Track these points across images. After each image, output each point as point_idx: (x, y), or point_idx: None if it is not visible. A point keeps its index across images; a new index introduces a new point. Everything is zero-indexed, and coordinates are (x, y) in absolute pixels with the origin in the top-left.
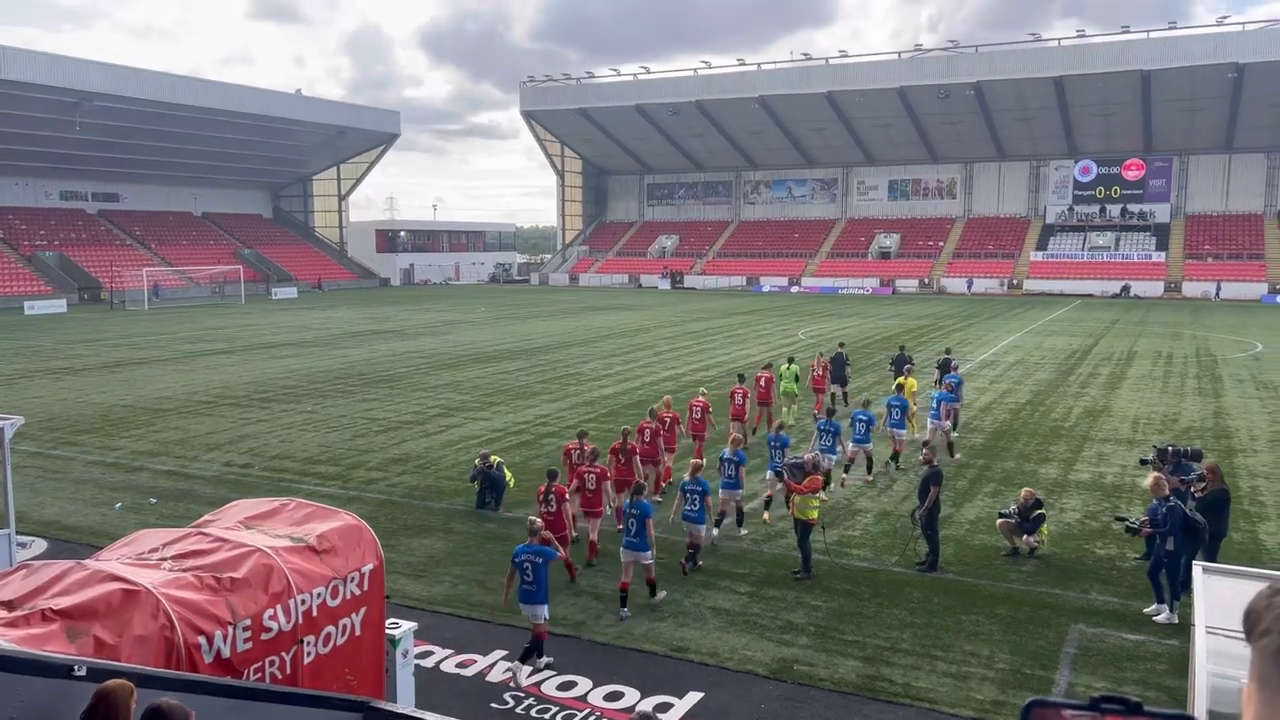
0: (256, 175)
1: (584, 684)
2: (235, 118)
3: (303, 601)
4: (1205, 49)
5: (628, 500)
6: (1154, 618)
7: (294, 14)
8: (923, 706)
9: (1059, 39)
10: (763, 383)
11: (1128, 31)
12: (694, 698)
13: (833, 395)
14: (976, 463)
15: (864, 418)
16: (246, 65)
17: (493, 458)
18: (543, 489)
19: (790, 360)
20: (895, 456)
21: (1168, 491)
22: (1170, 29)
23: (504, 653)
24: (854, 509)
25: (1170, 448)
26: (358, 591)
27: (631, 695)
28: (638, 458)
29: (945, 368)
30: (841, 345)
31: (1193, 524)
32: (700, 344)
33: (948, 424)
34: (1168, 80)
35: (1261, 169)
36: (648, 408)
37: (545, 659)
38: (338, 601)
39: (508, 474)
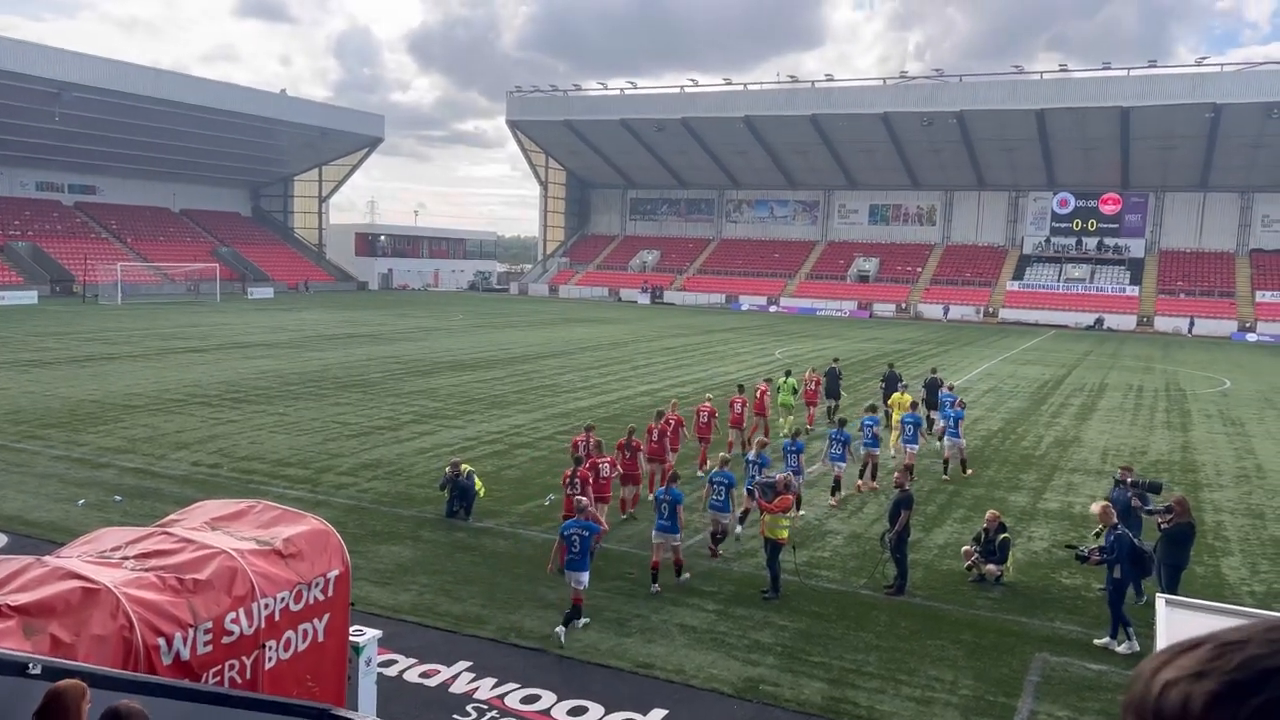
0: (237, 173)
1: (548, 698)
2: (218, 115)
3: (266, 605)
4: (1184, 88)
5: (661, 489)
6: (1115, 648)
7: (282, 13)
8: None
9: (1041, 72)
10: (759, 395)
11: (1109, 68)
12: (658, 715)
13: (828, 409)
14: (947, 488)
15: (841, 437)
16: (232, 62)
17: (464, 466)
18: (568, 474)
19: (787, 374)
20: (866, 473)
21: (1115, 520)
22: (1150, 68)
23: (468, 663)
24: (824, 530)
25: (1130, 479)
26: (322, 597)
27: (596, 710)
28: (643, 454)
29: (933, 387)
30: (836, 361)
31: (1139, 553)
32: (677, 360)
33: (963, 442)
34: (1146, 117)
35: (1235, 208)
36: (624, 419)
37: (584, 620)
38: (301, 606)
39: (478, 483)
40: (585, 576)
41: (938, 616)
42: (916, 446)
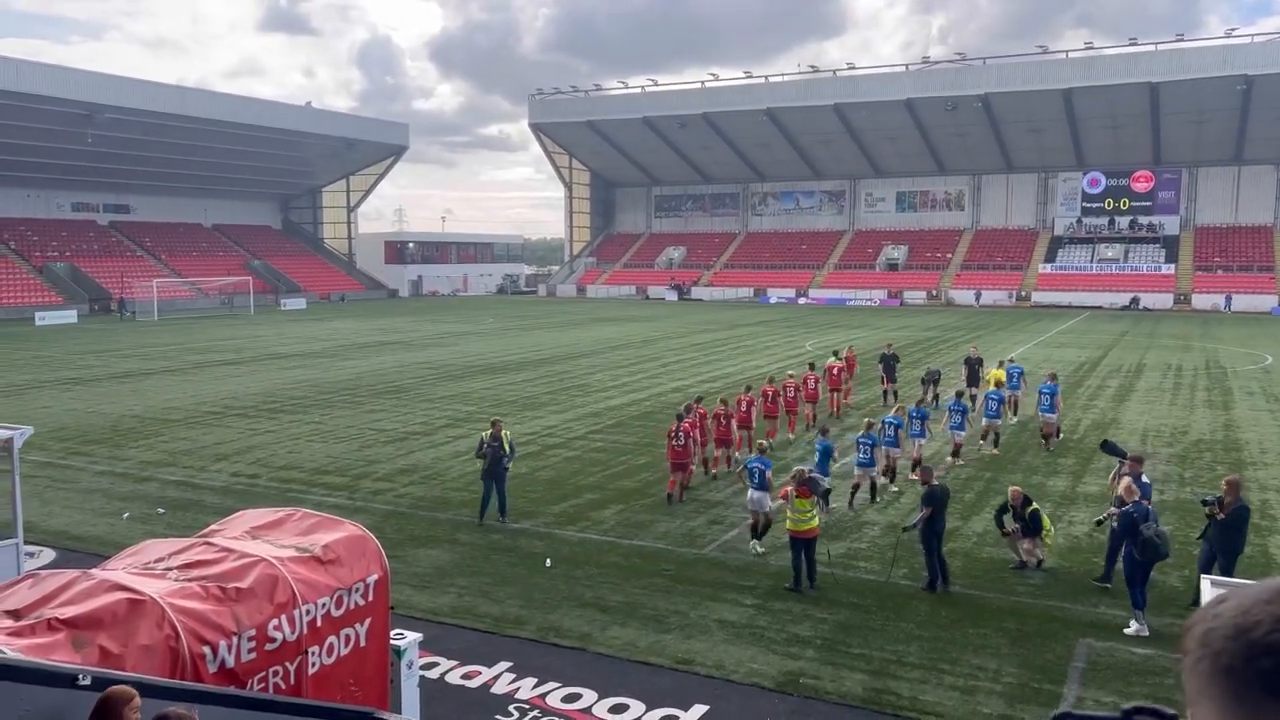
0: (266, 187)
1: (589, 696)
2: (245, 130)
3: (307, 612)
4: (1213, 61)
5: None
6: (1129, 629)
7: (305, 26)
8: None
9: (1067, 51)
10: (811, 383)
11: (1136, 44)
12: (699, 710)
13: (884, 393)
14: (984, 475)
15: (868, 441)
16: (257, 77)
17: (504, 432)
18: (673, 429)
19: (835, 353)
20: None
21: (1137, 497)
22: (1178, 41)
23: (509, 664)
24: (861, 521)
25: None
26: (362, 602)
27: (637, 707)
28: (735, 421)
29: (973, 365)
30: (889, 345)
31: (1142, 536)
32: (707, 355)
33: (999, 421)
34: (1176, 92)
35: (1271, 181)
36: (656, 417)
37: (761, 545)
38: (342, 612)
39: (505, 440)
40: (767, 500)
41: (979, 604)
42: (963, 433)
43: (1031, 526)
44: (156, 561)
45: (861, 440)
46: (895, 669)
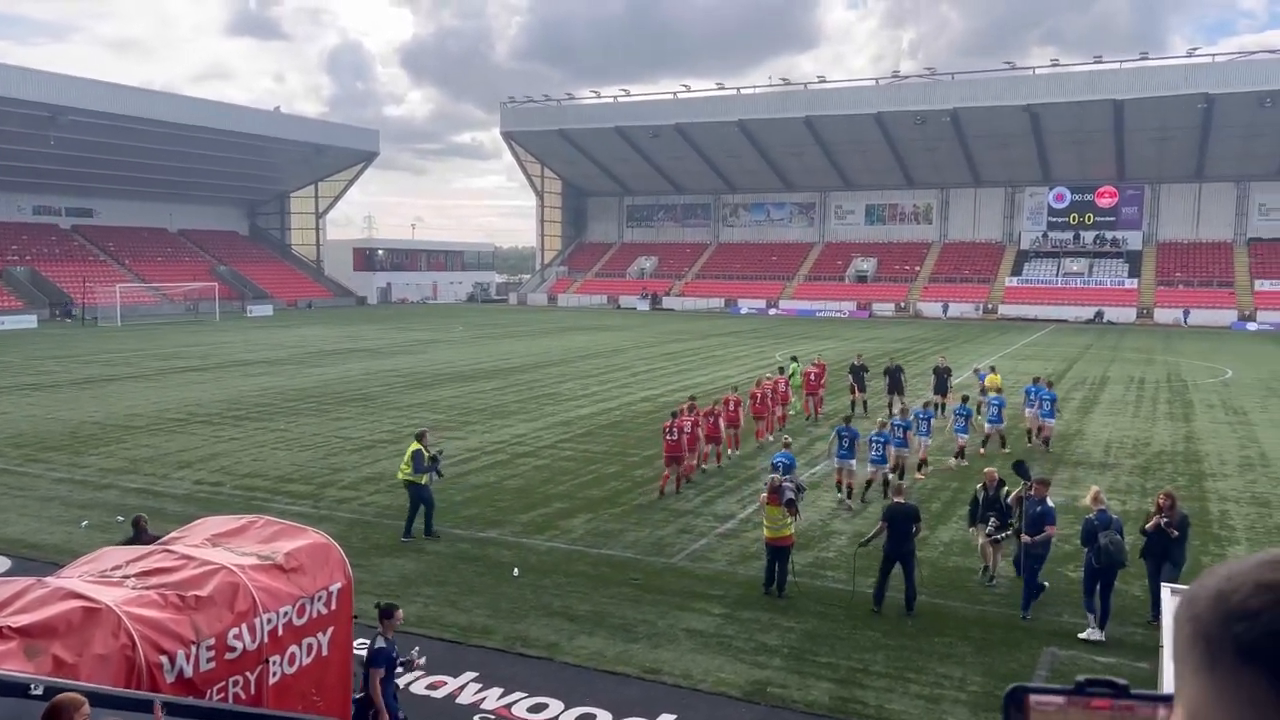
0: (233, 192)
1: (556, 705)
2: (212, 134)
3: (269, 620)
4: (1176, 79)
5: (840, 426)
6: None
7: (274, 30)
8: None
9: (1034, 68)
10: (782, 386)
11: (1100, 62)
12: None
13: (852, 403)
14: (951, 485)
15: (880, 439)
16: (225, 81)
17: (435, 444)
18: (668, 424)
19: (794, 359)
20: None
21: (1103, 506)
22: (1142, 60)
23: (475, 674)
24: (829, 530)
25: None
26: (325, 611)
27: (604, 717)
28: (724, 420)
29: (941, 375)
30: (859, 356)
31: (1098, 544)
32: (678, 365)
33: (1003, 425)
34: (1140, 109)
35: (1231, 198)
36: (626, 426)
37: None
38: (304, 620)
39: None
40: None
41: (944, 613)
42: (965, 436)
43: (1008, 512)
44: (114, 569)
45: (875, 439)
46: (862, 678)
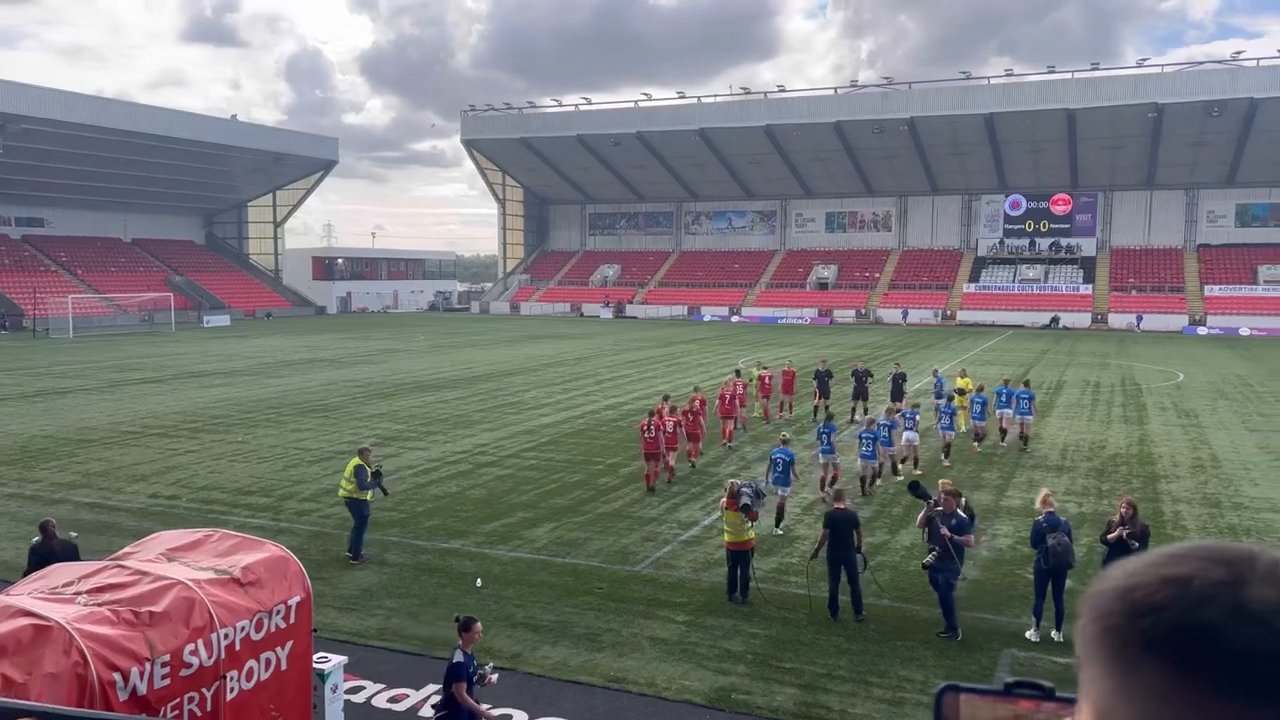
0: (189, 201)
1: (519, 717)
2: (167, 143)
3: (226, 635)
4: (1126, 90)
5: (822, 424)
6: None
7: (231, 37)
8: None
9: (989, 77)
10: (740, 388)
11: (1054, 71)
12: None
13: (815, 408)
14: (889, 493)
15: (870, 436)
16: (180, 88)
17: (376, 462)
18: (644, 424)
19: (760, 365)
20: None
21: (1053, 508)
22: (1094, 70)
23: (437, 686)
24: (792, 536)
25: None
26: (284, 625)
27: None
28: (702, 417)
29: (898, 382)
30: (823, 361)
31: (1046, 545)
32: (641, 373)
33: (984, 424)
34: (1092, 119)
35: (1181, 205)
36: (589, 435)
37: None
38: (262, 635)
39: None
40: (787, 490)
41: (907, 617)
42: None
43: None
44: (65, 586)
45: (864, 435)
46: (825, 682)
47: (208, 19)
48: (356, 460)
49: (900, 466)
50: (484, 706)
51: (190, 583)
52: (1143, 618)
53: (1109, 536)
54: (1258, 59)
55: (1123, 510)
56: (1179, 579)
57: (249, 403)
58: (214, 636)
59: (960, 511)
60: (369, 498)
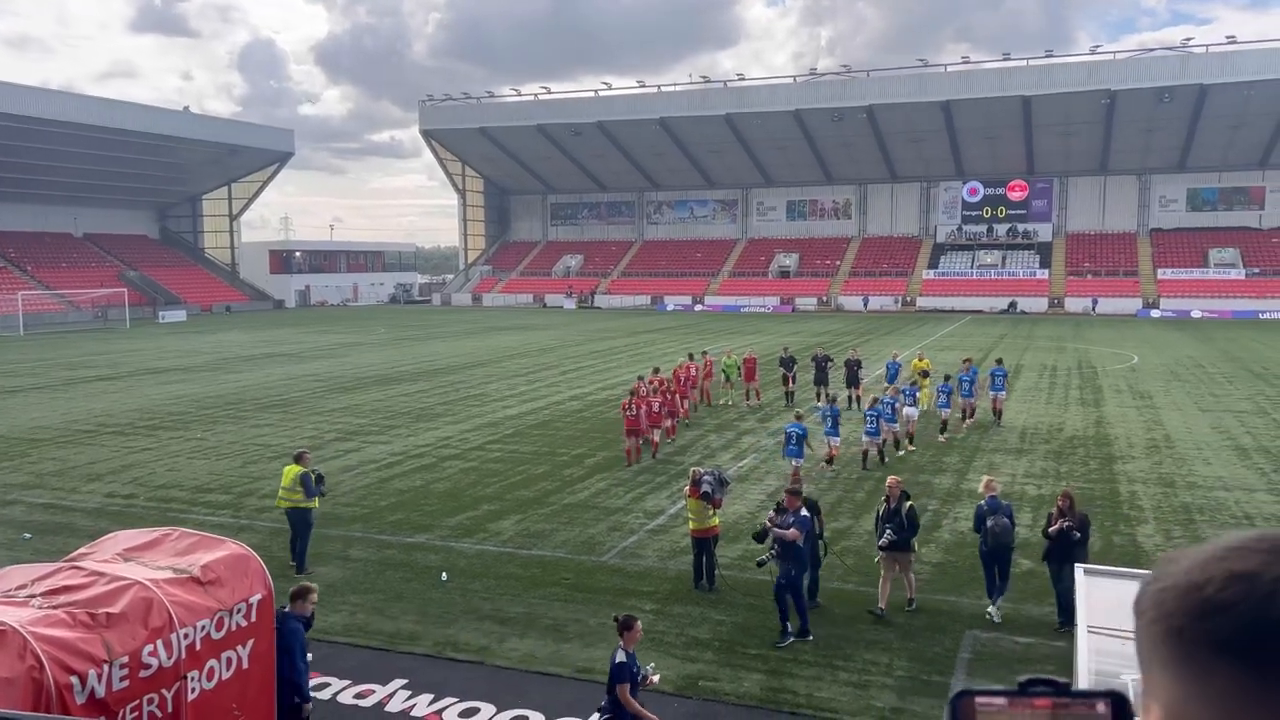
0: (142, 194)
1: (488, 710)
2: (118, 135)
3: (185, 635)
4: (1080, 76)
5: (826, 406)
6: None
7: (181, 27)
8: (825, 716)
9: (945, 65)
10: (694, 370)
11: (1009, 59)
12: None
13: (786, 394)
14: (875, 474)
15: (874, 414)
16: (131, 79)
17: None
18: (626, 402)
19: (727, 354)
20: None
21: (996, 492)
22: (1048, 57)
23: (404, 681)
24: (758, 523)
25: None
26: (245, 623)
27: (537, 718)
28: (679, 396)
29: (853, 368)
30: (785, 349)
31: (985, 527)
32: (606, 363)
33: (948, 411)
34: (1046, 105)
35: (1134, 190)
36: (554, 425)
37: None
38: (223, 634)
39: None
40: (800, 461)
41: (871, 601)
42: (916, 411)
43: (909, 527)
44: (18, 589)
45: (869, 413)
46: (791, 668)
47: (157, 8)
48: (297, 467)
49: (901, 443)
50: (648, 712)
51: (148, 583)
52: (1213, 617)
53: (1050, 530)
54: (1206, 45)
55: (1060, 503)
56: (1245, 575)
57: (207, 399)
58: (173, 636)
59: (804, 512)
60: (316, 504)
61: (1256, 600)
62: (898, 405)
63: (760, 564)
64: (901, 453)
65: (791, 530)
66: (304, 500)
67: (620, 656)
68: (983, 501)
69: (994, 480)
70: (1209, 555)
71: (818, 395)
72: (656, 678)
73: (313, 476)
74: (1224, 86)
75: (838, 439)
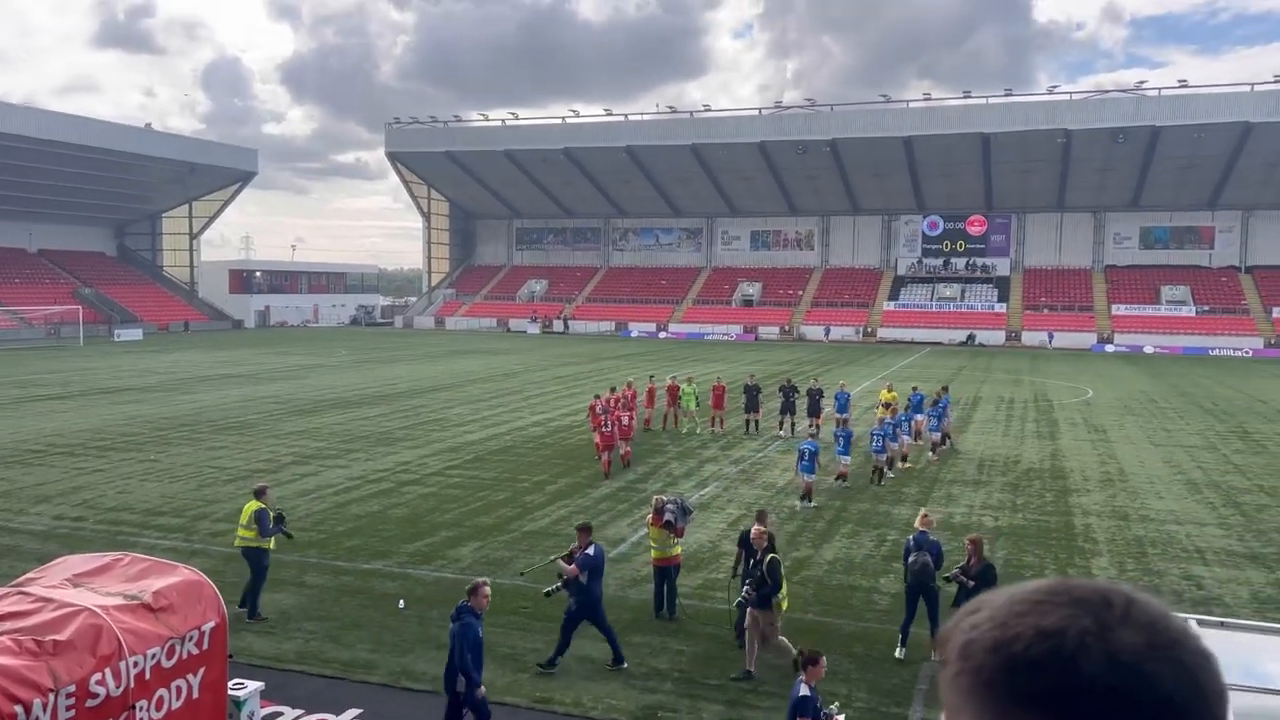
0: (100, 211)
1: None
2: (76, 150)
3: (135, 663)
4: (1038, 115)
5: (838, 428)
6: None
7: (145, 43)
8: None
9: (908, 101)
10: (639, 394)
11: (970, 97)
12: None
13: (747, 421)
14: (834, 504)
15: (881, 433)
16: (92, 94)
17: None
18: (600, 419)
19: (689, 380)
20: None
21: (926, 528)
22: (1007, 96)
23: (358, 710)
24: (719, 552)
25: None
26: (196, 651)
27: None
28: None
29: (814, 397)
30: (751, 376)
31: (906, 562)
32: (569, 389)
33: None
34: (1005, 143)
35: (1089, 227)
36: (516, 451)
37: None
38: (174, 662)
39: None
40: (811, 477)
41: (830, 631)
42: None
43: (771, 582)
44: None
45: (875, 432)
46: (751, 698)
47: (120, 23)
48: (255, 504)
49: (898, 463)
50: None
51: (98, 609)
52: (1021, 673)
53: (947, 575)
54: (1159, 89)
55: (968, 547)
56: (1052, 632)
57: (162, 420)
58: (122, 665)
59: (590, 551)
60: (270, 545)
61: (1065, 658)
62: (901, 426)
63: (548, 594)
64: (891, 475)
65: (572, 567)
66: (257, 540)
67: (803, 690)
68: (910, 537)
69: (929, 515)
70: (1012, 608)
71: (780, 424)
72: (841, 718)
73: (270, 515)
74: (1176, 129)
75: (848, 458)
